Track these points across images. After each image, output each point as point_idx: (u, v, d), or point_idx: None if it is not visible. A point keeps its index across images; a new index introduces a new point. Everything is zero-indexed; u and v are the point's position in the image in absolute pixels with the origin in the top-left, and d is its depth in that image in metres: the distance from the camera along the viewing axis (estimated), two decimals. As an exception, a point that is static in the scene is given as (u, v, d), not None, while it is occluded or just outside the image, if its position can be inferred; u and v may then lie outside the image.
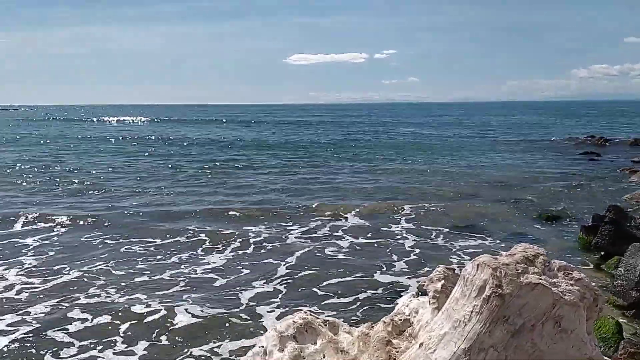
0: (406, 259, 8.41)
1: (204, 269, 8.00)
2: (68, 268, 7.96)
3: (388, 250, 8.92)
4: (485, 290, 2.43)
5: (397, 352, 2.85)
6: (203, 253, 8.84)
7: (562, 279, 2.58)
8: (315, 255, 8.64)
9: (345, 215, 11.38)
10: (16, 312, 6.30)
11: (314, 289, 7.13)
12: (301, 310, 3.28)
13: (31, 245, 9.27)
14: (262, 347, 2.96)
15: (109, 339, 5.64)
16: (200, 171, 19.07)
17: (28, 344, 5.51)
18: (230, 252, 8.86)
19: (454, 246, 9.08)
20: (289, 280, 7.48)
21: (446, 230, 10.13)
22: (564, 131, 40.45)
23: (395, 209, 11.91)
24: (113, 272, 7.83)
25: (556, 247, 8.73)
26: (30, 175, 17.69)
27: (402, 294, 6.65)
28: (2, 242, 9.40)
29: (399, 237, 9.74)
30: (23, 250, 8.92)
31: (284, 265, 8.16)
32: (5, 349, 5.42)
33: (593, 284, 2.71)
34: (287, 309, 6.33)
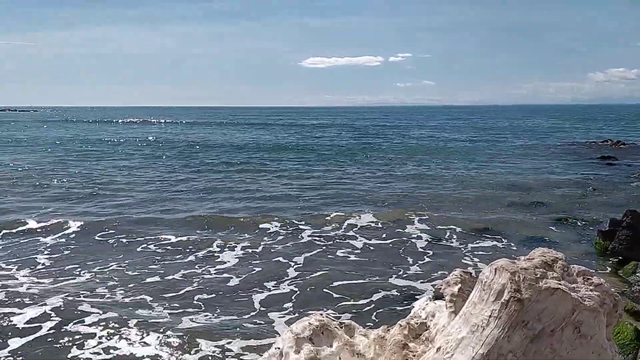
0: (421, 262, 8.38)
1: (217, 270, 8.05)
2: (79, 269, 8.07)
3: (402, 252, 8.89)
4: (503, 294, 2.41)
5: (413, 355, 2.84)
6: (216, 254, 8.89)
7: (581, 284, 2.55)
8: (328, 257, 8.65)
9: (359, 218, 11.34)
10: (34, 307, 6.41)
11: (328, 291, 7.13)
12: (316, 312, 3.28)
13: (48, 244, 9.41)
14: (278, 348, 2.96)
15: (120, 334, 5.72)
16: (215, 174, 19.13)
17: (49, 338, 5.65)
18: (242, 254, 8.89)
19: (470, 250, 9.02)
20: (301, 282, 7.49)
21: (461, 233, 10.08)
22: (580, 135, 40.00)
23: (410, 211, 11.86)
24: (126, 272, 7.92)
25: (572, 251, 8.64)
26: (46, 180, 17.82)
27: (417, 297, 6.62)
28: (19, 244, 9.52)
29: (414, 239, 9.70)
30: (39, 249, 9.06)
31: (297, 266, 8.19)
32: (27, 343, 5.56)
33: (613, 289, 2.67)
34: (301, 310, 6.35)
